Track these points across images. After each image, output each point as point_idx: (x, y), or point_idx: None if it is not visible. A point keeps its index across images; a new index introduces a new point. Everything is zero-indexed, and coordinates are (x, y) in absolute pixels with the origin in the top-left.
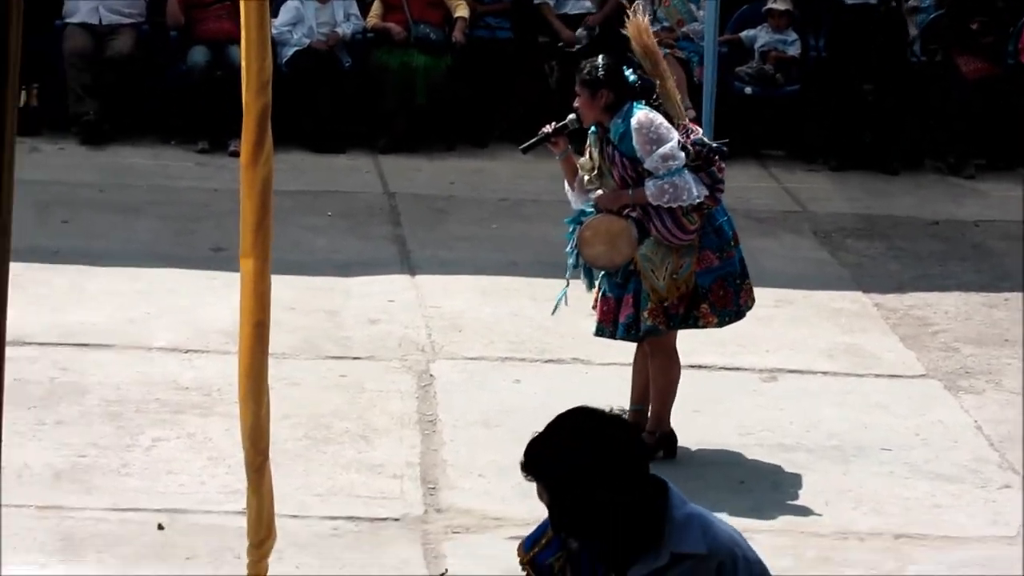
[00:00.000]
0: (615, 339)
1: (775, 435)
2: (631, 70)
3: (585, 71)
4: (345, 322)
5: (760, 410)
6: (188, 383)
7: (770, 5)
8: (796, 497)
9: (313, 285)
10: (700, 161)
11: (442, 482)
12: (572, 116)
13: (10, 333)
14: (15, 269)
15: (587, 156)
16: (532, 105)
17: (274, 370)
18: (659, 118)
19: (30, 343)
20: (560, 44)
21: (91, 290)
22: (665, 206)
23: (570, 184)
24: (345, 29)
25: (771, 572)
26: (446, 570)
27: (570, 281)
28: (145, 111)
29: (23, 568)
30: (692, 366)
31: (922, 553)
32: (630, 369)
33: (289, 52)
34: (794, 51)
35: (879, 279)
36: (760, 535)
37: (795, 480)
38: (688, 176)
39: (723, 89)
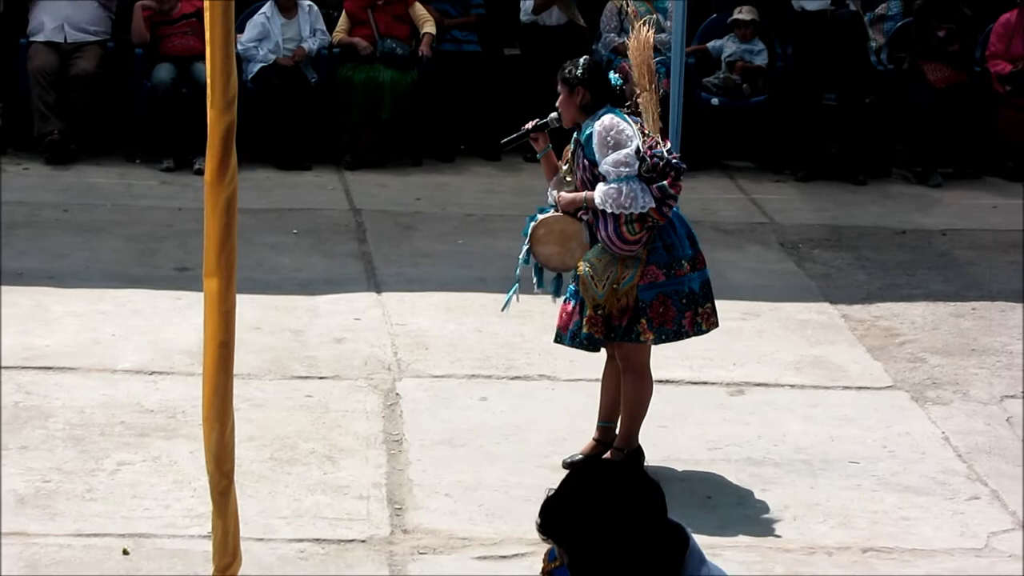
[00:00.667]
0: (567, 346)
1: (742, 449)
2: (615, 74)
3: (566, 69)
4: (310, 341)
5: (727, 424)
6: (153, 405)
7: (736, 15)
8: (763, 512)
9: (278, 304)
10: (655, 174)
11: (408, 502)
12: (554, 115)
13: None
14: None
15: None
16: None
17: (239, 391)
18: (624, 124)
19: None
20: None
21: (55, 312)
22: (609, 211)
23: (549, 182)
24: (311, 45)
25: None
26: None
27: (520, 279)
28: (110, 130)
29: None
30: (659, 381)
31: (890, 566)
32: (598, 385)
33: (255, 68)
34: (761, 61)
35: (846, 290)
36: (727, 551)
37: (762, 494)
38: (636, 185)
39: (690, 100)
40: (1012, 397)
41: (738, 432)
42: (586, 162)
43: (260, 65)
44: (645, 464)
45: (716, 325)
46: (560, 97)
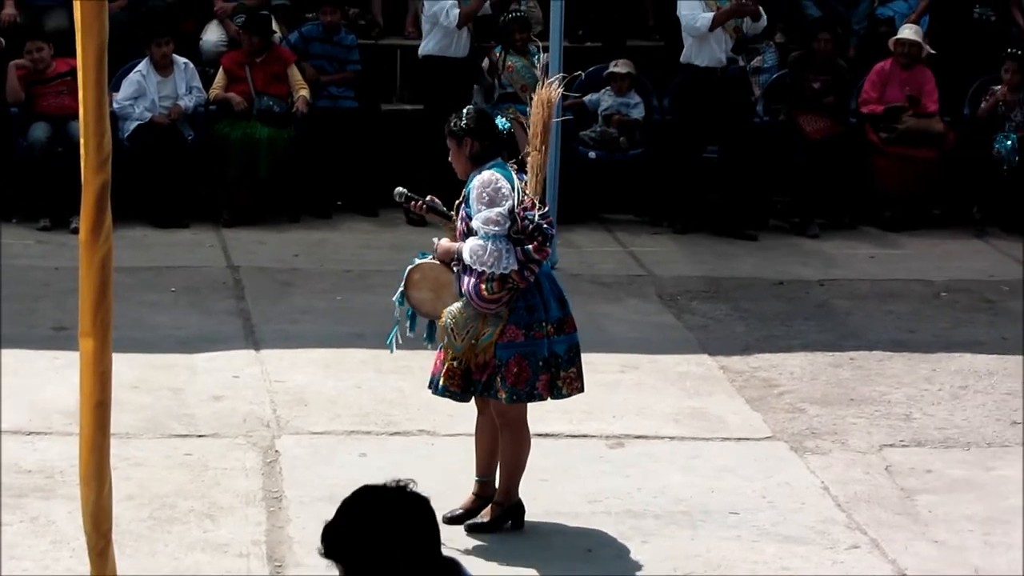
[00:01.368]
0: (434, 394)
1: (623, 502)
2: (502, 118)
3: (451, 122)
4: (189, 399)
5: (607, 477)
6: (31, 466)
7: (612, 68)
8: (644, 564)
9: (156, 363)
10: (523, 236)
11: (288, 559)
12: (400, 189)
13: None
14: None
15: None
16: (377, 174)
17: (117, 450)
18: (503, 182)
19: None
20: None
21: None
22: (473, 266)
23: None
24: (187, 102)
25: None
26: None
27: (399, 323)
28: None
29: None
30: (538, 434)
31: None
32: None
33: (131, 126)
34: (638, 114)
35: (724, 341)
36: None
37: (643, 547)
38: (503, 245)
39: (567, 154)
40: (891, 446)
41: (618, 485)
42: (465, 215)
43: (136, 123)
44: (526, 518)
45: (580, 390)
46: (450, 152)
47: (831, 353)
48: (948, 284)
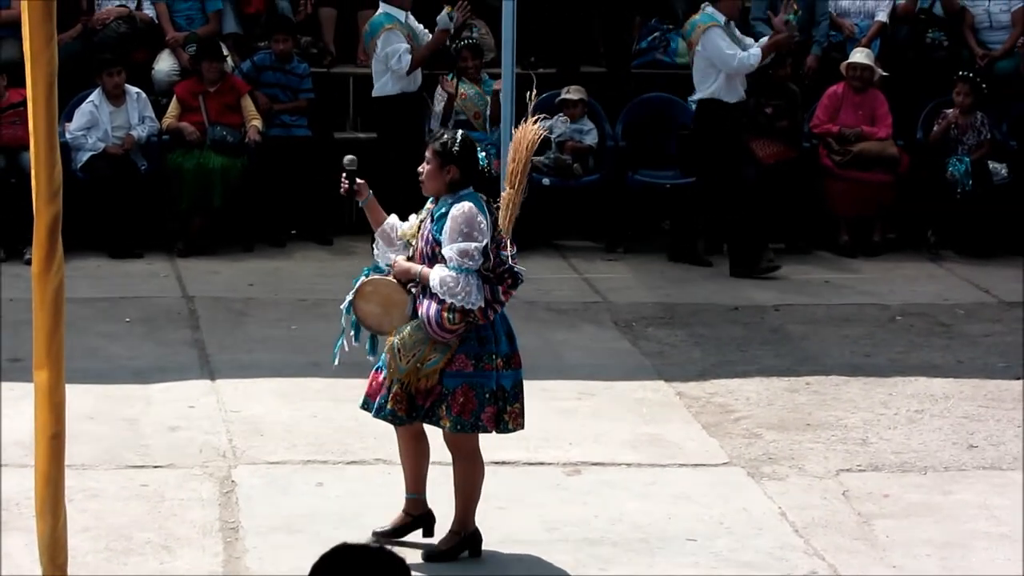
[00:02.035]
0: (372, 416)
1: (580, 529)
2: (483, 152)
3: (440, 140)
4: (145, 430)
5: (564, 505)
6: None
7: (564, 95)
8: None
9: (111, 393)
10: (492, 275)
11: None
12: (348, 156)
13: None
14: None
15: (414, 220)
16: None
17: (73, 482)
18: (481, 218)
19: None
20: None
21: None
22: (440, 296)
23: (374, 231)
24: (140, 132)
25: None
26: None
27: (345, 330)
28: None
29: None
30: (495, 462)
31: None
32: (434, 468)
33: (84, 157)
34: (591, 140)
35: (681, 367)
36: None
37: (601, 574)
38: (474, 281)
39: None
40: (847, 471)
41: (575, 512)
42: (431, 237)
43: (89, 154)
44: (483, 546)
45: (522, 427)
46: (428, 167)
47: (787, 378)
48: (903, 308)
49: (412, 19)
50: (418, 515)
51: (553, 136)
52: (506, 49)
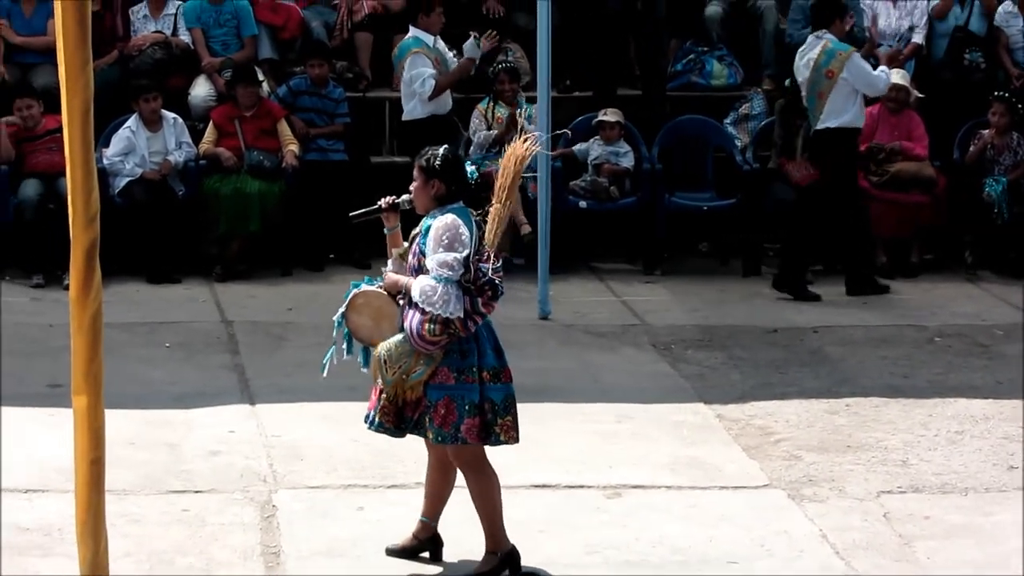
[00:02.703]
0: (369, 429)
1: (621, 552)
2: (472, 167)
3: (424, 157)
4: (185, 455)
5: (605, 527)
6: (29, 524)
7: (601, 117)
8: None
9: (152, 418)
10: (473, 287)
11: None
12: (406, 196)
13: None
14: None
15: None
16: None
17: (114, 507)
18: (463, 228)
19: None
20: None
21: None
22: (420, 305)
23: (390, 255)
24: (177, 157)
25: None
26: None
27: (347, 344)
28: None
29: None
30: (535, 485)
31: None
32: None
33: (122, 182)
34: (627, 163)
35: (720, 389)
36: None
37: None
38: (453, 291)
39: (558, 203)
40: (888, 492)
41: (616, 535)
42: (418, 250)
43: (127, 179)
44: (522, 567)
45: (516, 440)
46: (415, 183)
47: (827, 400)
48: (942, 329)
49: (441, 43)
50: (425, 539)
51: (590, 159)
52: (541, 73)
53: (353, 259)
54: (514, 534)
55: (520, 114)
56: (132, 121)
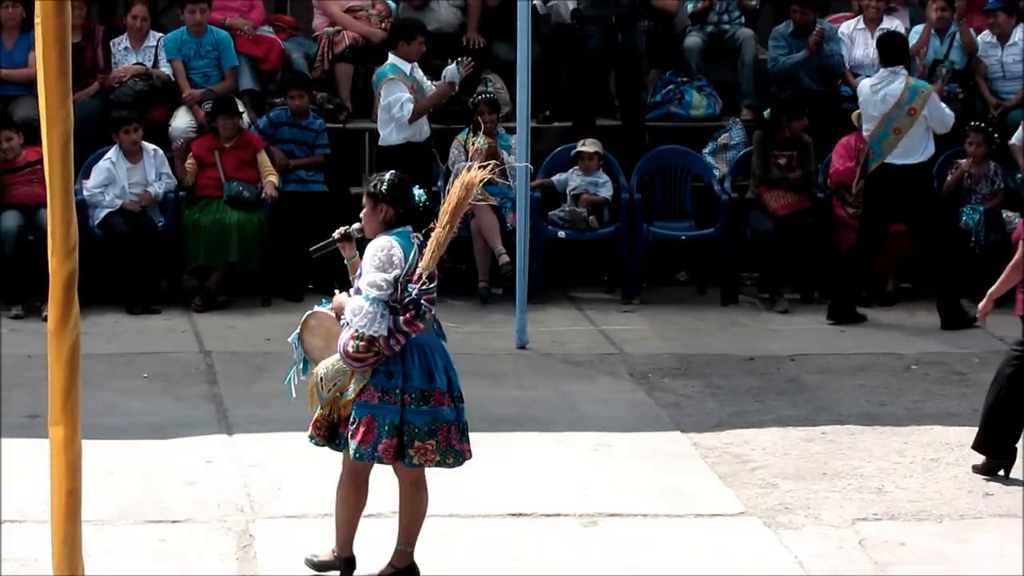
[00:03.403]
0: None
1: None
2: (420, 190)
3: (372, 183)
4: (162, 485)
5: (582, 556)
6: (6, 554)
7: (579, 148)
8: None
9: (129, 449)
10: (399, 306)
11: None
12: (357, 224)
13: None
14: None
15: None
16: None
17: (91, 537)
18: (396, 249)
19: None
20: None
21: None
22: (350, 323)
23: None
24: (157, 188)
25: None
26: None
27: (304, 365)
28: None
29: None
30: (511, 514)
31: None
32: (451, 521)
33: (101, 214)
34: (606, 193)
35: (696, 418)
36: None
37: None
38: (379, 309)
39: (536, 233)
40: (864, 519)
41: (593, 563)
42: (360, 273)
43: (107, 210)
44: None
45: (434, 463)
46: (364, 209)
47: (803, 428)
48: (918, 357)
49: (419, 71)
50: (400, 567)
51: (569, 190)
52: (521, 103)
53: (332, 289)
54: (491, 562)
55: (502, 144)
56: (112, 152)
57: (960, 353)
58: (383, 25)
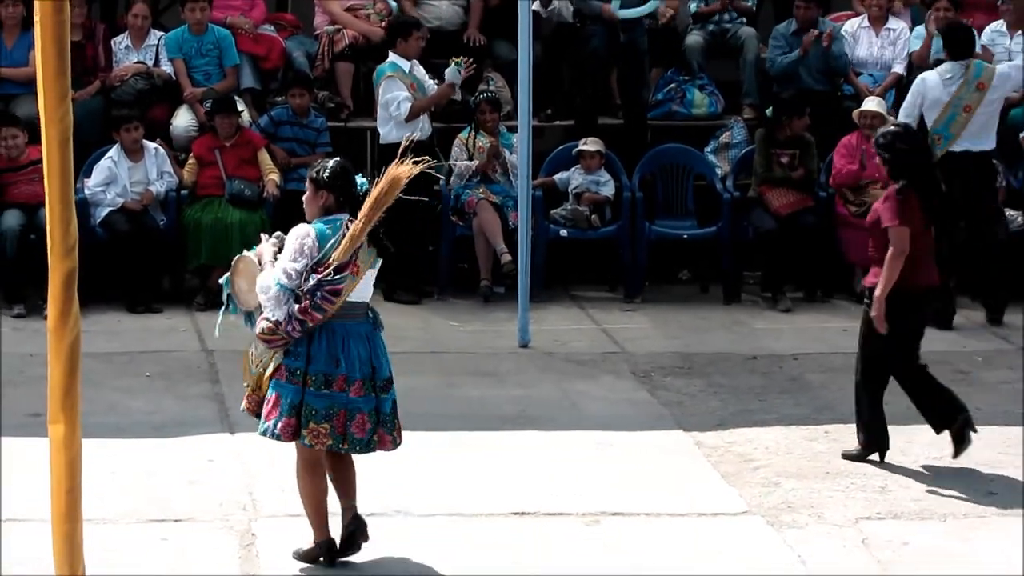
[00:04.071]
0: None
1: None
2: (362, 178)
3: (315, 168)
4: (164, 484)
5: (584, 555)
6: (7, 553)
7: (581, 147)
8: None
9: (131, 448)
10: (302, 293)
11: None
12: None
13: None
14: None
15: None
16: None
17: (92, 536)
18: (310, 239)
19: None
20: None
21: None
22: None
23: None
24: (159, 187)
25: None
26: None
27: (229, 305)
28: None
29: None
30: (514, 512)
31: None
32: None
33: (103, 212)
34: (608, 191)
35: (699, 416)
36: None
37: None
38: (283, 295)
39: (538, 232)
40: (867, 518)
41: (595, 562)
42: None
43: (108, 209)
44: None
45: (326, 447)
46: (306, 194)
47: (806, 427)
48: (922, 355)
49: (419, 69)
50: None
51: (571, 188)
52: (522, 102)
53: None
54: (492, 561)
55: (503, 142)
56: (114, 151)
57: (963, 352)
58: (383, 24)
